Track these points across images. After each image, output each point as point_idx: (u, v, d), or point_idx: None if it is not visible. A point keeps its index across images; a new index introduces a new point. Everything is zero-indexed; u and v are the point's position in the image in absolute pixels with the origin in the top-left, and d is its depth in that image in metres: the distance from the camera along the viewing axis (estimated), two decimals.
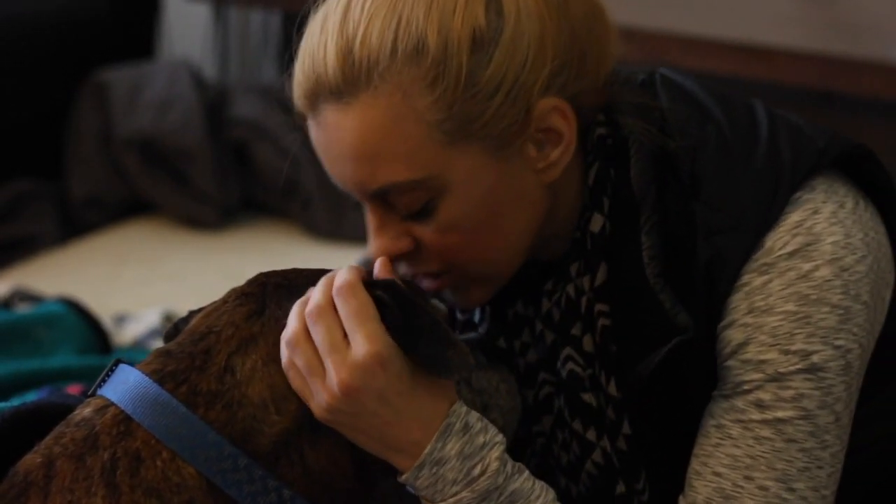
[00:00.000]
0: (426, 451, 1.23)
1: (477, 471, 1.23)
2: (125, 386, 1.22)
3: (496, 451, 1.24)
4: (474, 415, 1.25)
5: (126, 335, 2.58)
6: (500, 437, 1.26)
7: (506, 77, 1.26)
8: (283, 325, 1.24)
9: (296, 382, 1.22)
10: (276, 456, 1.21)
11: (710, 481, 1.29)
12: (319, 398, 1.21)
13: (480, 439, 1.24)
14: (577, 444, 1.35)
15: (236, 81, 3.93)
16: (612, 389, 1.33)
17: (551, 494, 1.27)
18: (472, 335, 1.40)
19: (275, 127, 3.38)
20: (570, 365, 1.35)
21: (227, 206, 3.35)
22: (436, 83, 1.25)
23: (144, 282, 3.01)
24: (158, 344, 2.49)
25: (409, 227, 1.32)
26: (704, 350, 1.30)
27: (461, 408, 1.25)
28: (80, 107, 3.43)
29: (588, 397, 1.34)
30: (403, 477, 1.24)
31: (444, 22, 1.25)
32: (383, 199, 1.31)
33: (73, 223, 3.35)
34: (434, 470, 1.23)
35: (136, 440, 1.19)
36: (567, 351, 1.35)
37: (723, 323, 1.29)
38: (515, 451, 1.40)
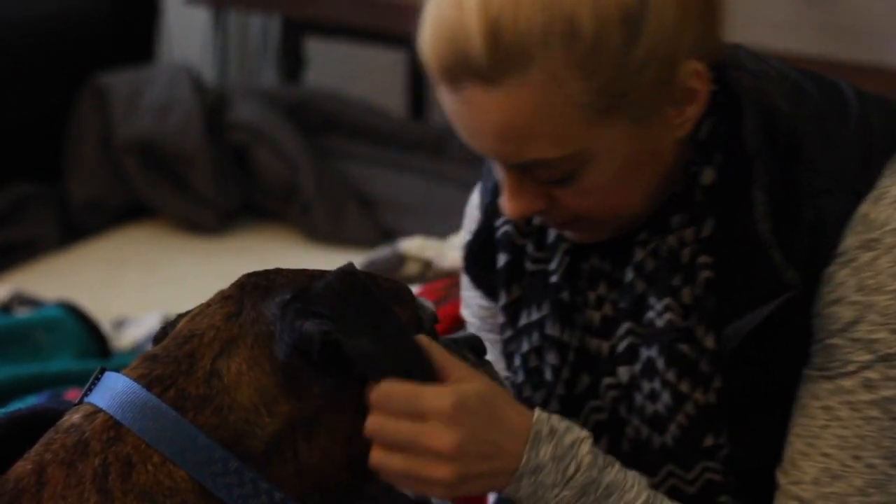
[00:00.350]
0: (522, 462, 1.25)
1: (572, 468, 1.26)
2: (113, 392, 1.22)
3: (585, 447, 1.27)
4: (555, 417, 1.27)
5: (125, 339, 2.58)
6: (584, 433, 1.28)
7: (655, 51, 1.25)
8: (258, 326, 1.23)
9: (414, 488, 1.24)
10: (268, 456, 1.20)
11: (817, 462, 1.32)
12: (436, 482, 1.22)
13: (568, 438, 1.27)
14: (669, 394, 1.36)
15: (236, 85, 3.93)
16: (710, 342, 1.34)
17: (644, 482, 1.30)
18: (462, 334, 1.40)
19: (274, 131, 3.39)
20: (668, 315, 1.35)
21: (226, 210, 3.35)
22: (588, 67, 1.24)
23: (144, 286, 3.02)
24: None
25: (546, 189, 1.32)
26: (804, 312, 1.32)
27: (542, 413, 1.27)
28: (80, 110, 3.43)
29: (685, 348, 1.35)
30: (505, 491, 1.26)
31: (596, 1, 1.23)
32: (524, 168, 1.31)
33: (73, 227, 3.35)
34: (533, 479, 1.25)
35: (126, 445, 1.19)
36: (666, 301, 1.35)
37: (829, 298, 1.31)
38: (574, 404, 1.42)
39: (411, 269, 2.30)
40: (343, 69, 4.08)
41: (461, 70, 1.26)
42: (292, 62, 3.82)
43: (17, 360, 2.27)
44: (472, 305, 1.58)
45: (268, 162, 3.37)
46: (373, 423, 1.21)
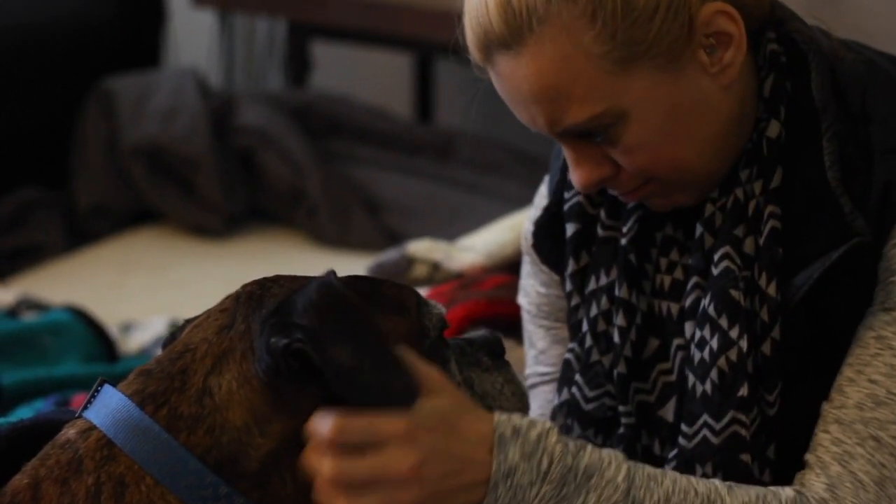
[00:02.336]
0: (493, 470, 1.23)
1: (545, 462, 1.24)
2: (107, 409, 1.21)
3: (553, 437, 1.25)
4: (515, 415, 1.26)
5: (132, 343, 2.58)
6: (548, 424, 1.26)
7: None
8: (246, 340, 1.22)
9: None
10: (265, 474, 1.20)
11: (863, 387, 1.34)
12: None
13: (533, 434, 1.25)
14: (717, 339, 1.37)
15: (242, 89, 3.94)
16: (772, 291, 1.36)
17: (620, 456, 1.29)
18: (479, 333, 1.39)
19: (281, 135, 3.39)
20: (725, 262, 1.38)
21: (232, 214, 3.35)
22: (595, 16, 1.29)
23: (150, 290, 3.02)
24: None
25: (606, 152, 1.36)
26: (872, 262, 1.35)
27: (502, 416, 1.25)
28: (87, 115, 3.43)
29: (737, 294, 1.37)
30: (484, 503, 1.24)
31: None
32: (571, 133, 1.36)
33: (80, 231, 3.35)
34: (508, 483, 1.23)
35: (119, 465, 1.19)
36: (725, 249, 1.38)
37: (893, 242, 1.35)
38: (642, 368, 1.44)
39: (419, 271, 2.29)
40: (349, 73, 4.08)
41: (489, 44, 1.34)
42: (298, 66, 3.82)
43: (25, 364, 2.27)
44: (531, 292, 1.60)
45: (274, 166, 3.37)
46: (332, 469, 1.17)
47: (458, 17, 1.39)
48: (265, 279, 1.28)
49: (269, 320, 1.20)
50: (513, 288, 1.70)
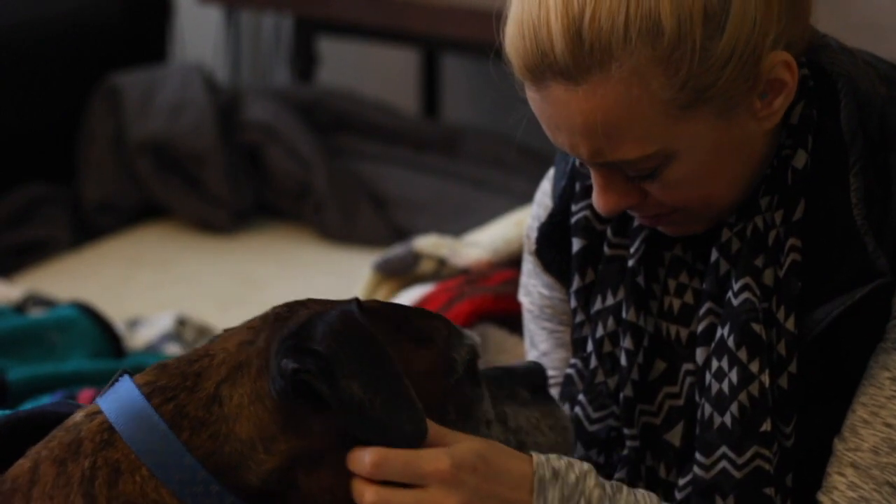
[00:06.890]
0: None
1: None
2: (116, 395, 1.22)
3: (591, 480, 1.26)
4: (552, 457, 1.26)
5: (139, 339, 2.58)
6: (587, 466, 1.26)
7: (737, 44, 1.26)
8: (262, 358, 1.21)
9: None
10: (266, 491, 1.19)
11: (879, 431, 1.32)
12: None
13: (572, 476, 1.25)
14: (736, 372, 1.35)
15: (248, 85, 3.93)
16: (791, 325, 1.34)
17: (654, 498, 1.29)
18: (521, 363, 1.38)
19: (287, 130, 3.39)
20: (746, 294, 1.35)
21: (239, 210, 3.35)
22: (670, 63, 1.25)
23: (157, 285, 3.02)
24: (172, 348, 2.50)
25: (636, 183, 1.34)
26: (888, 300, 1.33)
27: (541, 457, 1.26)
28: (93, 111, 3.44)
29: (758, 328, 1.35)
30: None
31: None
32: (613, 166, 1.32)
33: (86, 227, 3.35)
34: None
35: (117, 451, 1.19)
36: (746, 280, 1.35)
37: None
38: (648, 390, 1.42)
39: (426, 267, 2.29)
40: (356, 68, 4.08)
41: (545, 69, 1.27)
42: (305, 61, 3.82)
43: (32, 360, 2.27)
44: (533, 293, 1.58)
45: (280, 161, 3.37)
46: (372, 496, 1.18)
47: (498, 16, 1.32)
48: (296, 302, 1.27)
49: (287, 342, 1.20)
50: (519, 284, 1.70)
